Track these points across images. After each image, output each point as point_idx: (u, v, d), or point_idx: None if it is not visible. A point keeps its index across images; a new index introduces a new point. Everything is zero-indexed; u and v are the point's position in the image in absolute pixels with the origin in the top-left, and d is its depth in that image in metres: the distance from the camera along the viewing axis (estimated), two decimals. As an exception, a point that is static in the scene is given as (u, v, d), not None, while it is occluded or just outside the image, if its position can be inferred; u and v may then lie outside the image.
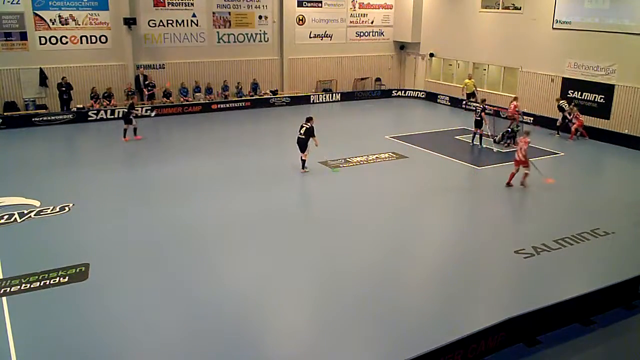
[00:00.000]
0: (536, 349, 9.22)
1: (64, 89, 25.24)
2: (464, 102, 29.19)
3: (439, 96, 30.75)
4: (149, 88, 27.10)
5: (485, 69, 30.06)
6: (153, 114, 26.58)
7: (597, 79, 24.25)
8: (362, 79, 33.59)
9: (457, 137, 23.79)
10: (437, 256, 13.02)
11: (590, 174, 19.04)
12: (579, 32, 24.67)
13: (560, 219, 14.87)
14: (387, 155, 20.51)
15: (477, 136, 21.82)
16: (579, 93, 25.03)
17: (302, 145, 18.01)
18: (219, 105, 27.94)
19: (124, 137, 21.91)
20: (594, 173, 19.12)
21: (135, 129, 22.14)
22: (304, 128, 17.94)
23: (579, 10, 24.66)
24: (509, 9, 28.17)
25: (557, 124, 24.06)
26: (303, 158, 18.21)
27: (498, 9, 28.71)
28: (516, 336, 9.24)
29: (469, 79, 29.02)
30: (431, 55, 33.09)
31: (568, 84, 25.46)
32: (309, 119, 18.17)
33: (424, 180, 18.10)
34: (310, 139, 17.92)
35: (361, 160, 19.77)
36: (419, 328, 9.84)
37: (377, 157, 20.22)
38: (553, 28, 25.73)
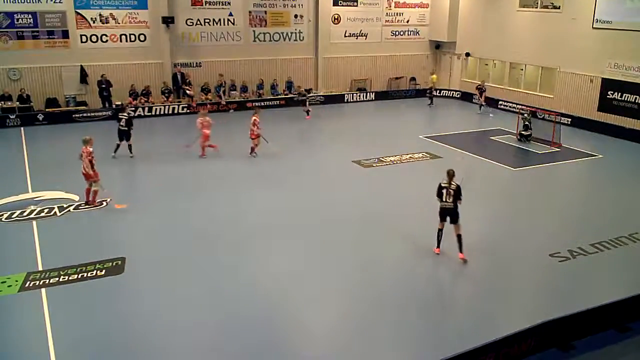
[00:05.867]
0: (570, 355, 9.09)
1: (103, 86, 25.78)
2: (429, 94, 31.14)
3: (474, 96, 30.38)
4: (190, 86, 27.47)
5: (522, 69, 29.60)
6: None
7: (637, 79, 23.67)
8: (397, 78, 33.43)
9: (492, 137, 23.53)
10: (471, 258, 12.89)
11: (629, 176, 18.60)
12: (620, 31, 24.10)
13: (598, 222, 14.60)
14: (420, 155, 20.39)
15: None
16: (619, 94, 24.49)
17: None
18: (253, 104, 28.06)
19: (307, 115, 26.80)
20: (633, 176, 18.68)
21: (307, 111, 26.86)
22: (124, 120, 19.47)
23: (620, 9, 24.12)
24: (548, 8, 27.70)
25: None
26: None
27: (536, 8, 28.25)
28: (550, 341, 9.12)
29: (433, 74, 31.73)
30: (467, 54, 32.75)
31: (607, 84, 24.92)
32: None
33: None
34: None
35: (394, 160, 19.71)
36: (450, 329, 9.78)
37: (410, 157, 20.13)
38: (593, 27, 25.19)
